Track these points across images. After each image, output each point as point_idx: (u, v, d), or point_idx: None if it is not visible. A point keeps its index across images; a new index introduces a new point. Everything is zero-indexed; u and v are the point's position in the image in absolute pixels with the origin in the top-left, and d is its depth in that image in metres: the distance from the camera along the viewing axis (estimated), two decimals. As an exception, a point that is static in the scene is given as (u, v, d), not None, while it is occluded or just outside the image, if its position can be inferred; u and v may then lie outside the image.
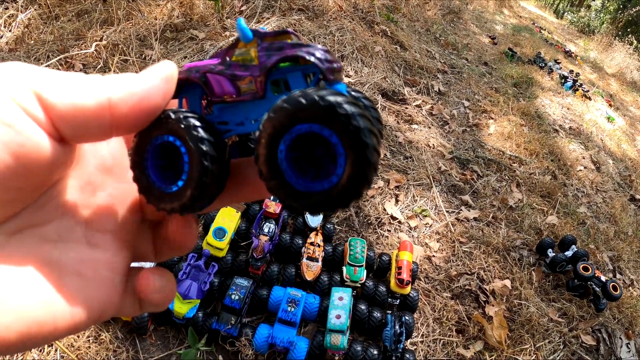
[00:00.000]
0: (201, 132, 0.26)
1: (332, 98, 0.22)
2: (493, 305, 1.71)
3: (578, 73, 4.95)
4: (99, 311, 0.26)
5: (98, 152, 0.30)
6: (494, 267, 1.86)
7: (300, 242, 1.61)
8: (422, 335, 1.56)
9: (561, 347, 1.70)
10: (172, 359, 1.38)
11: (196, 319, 1.39)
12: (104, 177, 0.30)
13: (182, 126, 0.26)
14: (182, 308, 1.39)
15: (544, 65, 4.64)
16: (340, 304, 1.42)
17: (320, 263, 1.55)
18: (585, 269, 1.88)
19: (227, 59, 0.29)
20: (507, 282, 1.80)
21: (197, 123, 0.26)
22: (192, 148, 0.26)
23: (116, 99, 0.24)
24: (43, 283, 0.24)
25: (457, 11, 5.02)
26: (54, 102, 0.22)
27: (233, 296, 1.42)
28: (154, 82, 0.26)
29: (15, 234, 0.25)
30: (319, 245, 1.59)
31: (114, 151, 0.31)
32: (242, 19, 0.27)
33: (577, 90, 4.28)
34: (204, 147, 0.26)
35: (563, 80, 4.43)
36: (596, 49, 7.88)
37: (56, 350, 1.33)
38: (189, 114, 0.27)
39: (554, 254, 1.98)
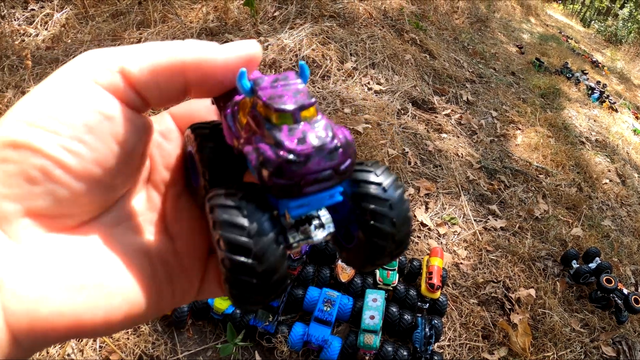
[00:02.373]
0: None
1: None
2: (518, 313, 1.75)
3: (605, 84, 4.92)
4: (181, 297, 0.28)
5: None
6: (519, 276, 1.91)
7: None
8: (449, 339, 1.62)
9: (582, 357, 1.73)
10: (209, 353, 1.43)
11: (234, 315, 1.44)
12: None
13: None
14: (222, 304, 1.44)
15: (571, 75, 4.63)
16: (374, 305, 1.48)
17: (354, 266, 1.61)
18: (608, 281, 1.91)
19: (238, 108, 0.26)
20: (532, 291, 1.84)
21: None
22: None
23: (189, 62, 0.25)
24: (140, 270, 0.25)
25: (484, 19, 5.04)
26: (134, 71, 0.24)
27: (271, 294, 1.49)
28: (233, 57, 0.25)
29: (115, 226, 0.26)
30: (353, 249, 1.65)
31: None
32: (245, 72, 0.24)
33: (604, 101, 4.27)
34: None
35: (590, 92, 4.41)
36: (623, 59, 7.80)
37: (95, 340, 1.38)
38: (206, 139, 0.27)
39: (578, 266, 2.01)
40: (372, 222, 0.23)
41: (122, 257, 0.25)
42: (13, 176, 0.22)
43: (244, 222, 0.21)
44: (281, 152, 0.21)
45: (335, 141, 0.22)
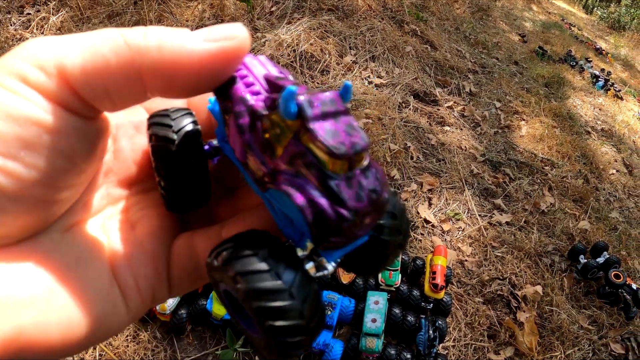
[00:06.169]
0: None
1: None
2: (524, 311, 1.71)
3: (609, 72, 4.85)
4: (148, 290, 0.25)
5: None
6: (525, 272, 1.87)
7: (335, 245, 1.63)
8: (454, 339, 1.58)
9: (590, 355, 1.69)
10: (209, 359, 1.42)
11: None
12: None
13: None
14: (220, 309, 1.42)
15: (574, 64, 4.56)
16: (376, 307, 1.44)
17: (355, 266, 1.57)
18: (617, 276, 1.87)
19: (262, 123, 0.21)
20: (539, 288, 1.80)
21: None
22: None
23: (148, 63, 0.19)
24: (99, 277, 0.23)
25: (486, 8, 4.96)
26: (74, 72, 0.19)
27: (271, 297, 1.45)
28: (212, 49, 0.20)
29: (68, 230, 0.24)
30: (354, 249, 1.61)
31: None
32: (295, 91, 0.19)
33: (609, 89, 4.21)
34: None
35: (594, 80, 4.35)
36: (627, 45, 7.69)
37: (94, 348, 1.36)
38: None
39: (585, 260, 1.97)
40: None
41: (69, 266, 0.22)
42: None
43: (285, 289, 0.20)
44: (341, 210, 0.19)
45: (385, 194, 0.21)
